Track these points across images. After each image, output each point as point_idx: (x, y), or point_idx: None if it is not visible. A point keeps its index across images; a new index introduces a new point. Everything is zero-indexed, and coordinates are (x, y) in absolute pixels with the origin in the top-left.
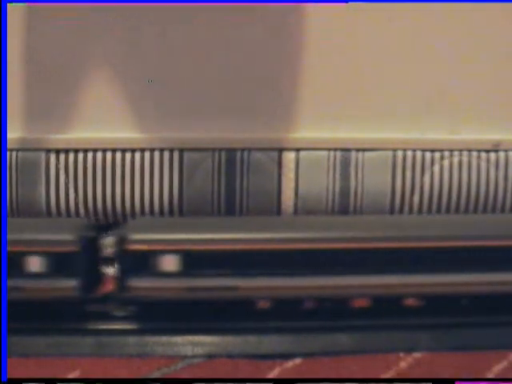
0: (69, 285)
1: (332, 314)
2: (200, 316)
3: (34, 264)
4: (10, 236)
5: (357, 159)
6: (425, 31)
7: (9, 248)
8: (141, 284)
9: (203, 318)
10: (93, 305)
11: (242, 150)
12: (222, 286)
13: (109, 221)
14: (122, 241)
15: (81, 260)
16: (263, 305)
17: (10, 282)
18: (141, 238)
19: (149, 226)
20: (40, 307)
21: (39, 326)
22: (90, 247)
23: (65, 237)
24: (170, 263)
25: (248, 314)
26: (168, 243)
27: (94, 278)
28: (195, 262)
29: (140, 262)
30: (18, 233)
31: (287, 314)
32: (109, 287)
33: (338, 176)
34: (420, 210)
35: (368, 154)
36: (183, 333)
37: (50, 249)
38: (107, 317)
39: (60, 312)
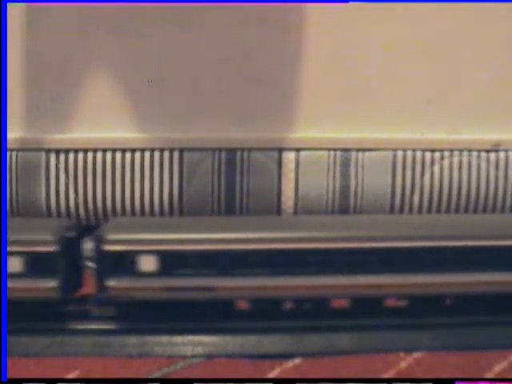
0: (48, 285)
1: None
2: (176, 317)
3: (13, 264)
4: None
5: (357, 159)
6: (425, 31)
7: None
8: (120, 284)
9: (179, 319)
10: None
11: (242, 149)
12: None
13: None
14: (100, 241)
15: (60, 260)
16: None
17: None
18: (119, 238)
19: (127, 226)
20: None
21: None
22: (70, 248)
23: (44, 237)
24: (148, 263)
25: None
26: (146, 243)
27: (73, 279)
28: (173, 262)
29: (118, 262)
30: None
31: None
32: (88, 288)
33: (337, 176)
34: (420, 210)
35: (368, 154)
36: (183, 333)
37: (29, 249)
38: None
39: (37, 312)
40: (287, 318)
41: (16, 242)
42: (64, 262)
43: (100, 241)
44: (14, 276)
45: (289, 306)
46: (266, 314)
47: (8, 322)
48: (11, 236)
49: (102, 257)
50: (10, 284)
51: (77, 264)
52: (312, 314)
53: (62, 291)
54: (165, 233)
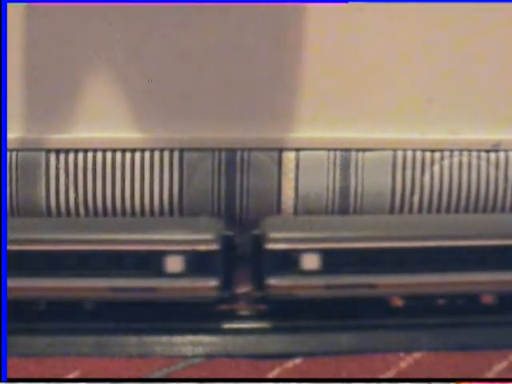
0: (209, 284)
1: (334, 314)
2: (337, 314)
3: (174, 264)
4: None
5: (357, 159)
6: (425, 31)
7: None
8: (281, 282)
9: (340, 317)
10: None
11: (242, 150)
12: (360, 283)
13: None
14: (262, 240)
15: (221, 259)
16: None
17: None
18: (281, 237)
19: (286, 225)
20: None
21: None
22: (228, 246)
23: (205, 236)
24: (310, 261)
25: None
26: (309, 242)
27: (231, 278)
28: (335, 260)
29: (280, 261)
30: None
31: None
32: (243, 286)
33: (337, 176)
34: (420, 210)
35: (368, 154)
36: (183, 333)
37: (190, 248)
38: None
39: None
40: (440, 314)
41: (177, 242)
42: (224, 260)
43: (262, 239)
44: (174, 276)
45: (441, 302)
46: (420, 311)
47: (167, 321)
48: (171, 235)
49: (263, 255)
50: (170, 283)
51: (232, 263)
52: (462, 310)
53: (221, 290)
54: (327, 231)
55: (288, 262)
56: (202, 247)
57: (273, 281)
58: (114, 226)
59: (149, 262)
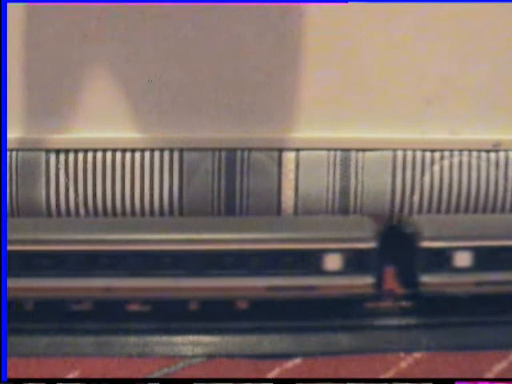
0: (365, 282)
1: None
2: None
3: (332, 261)
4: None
5: (357, 159)
6: (425, 31)
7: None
8: (434, 280)
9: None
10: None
11: (242, 150)
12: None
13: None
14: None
15: (377, 257)
16: None
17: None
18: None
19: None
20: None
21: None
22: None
23: (363, 234)
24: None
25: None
26: (462, 239)
27: (382, 275)
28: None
29: (434, 258)
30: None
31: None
32: (392, 283)
33: (337, 176)
34: (420, 210)
35: (368, 154)
36: (183, 333)
37: (349, 246)
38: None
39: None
40: None
41: (336, 240)
42: (379, 258)
43: (415, 238)
44: (333, 273)
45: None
46: None
47: (322, 319)
48: (330, 233)
49: (416, 253)
50: (329, 281)
51: (384, 260)
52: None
53: (376, 287)
54: (478, 229)
55: (441, 259)
56: (361, 245)
57: (426, 278)
58: (276, 225)
59: (307, 261)
